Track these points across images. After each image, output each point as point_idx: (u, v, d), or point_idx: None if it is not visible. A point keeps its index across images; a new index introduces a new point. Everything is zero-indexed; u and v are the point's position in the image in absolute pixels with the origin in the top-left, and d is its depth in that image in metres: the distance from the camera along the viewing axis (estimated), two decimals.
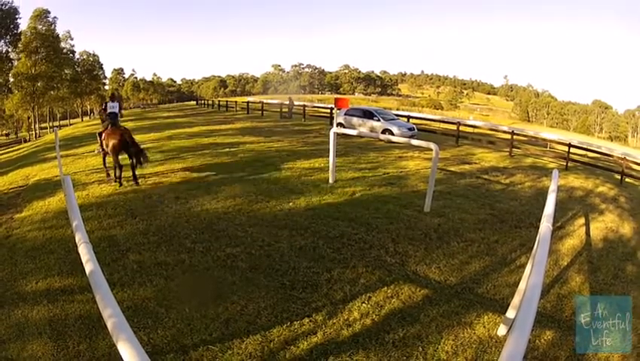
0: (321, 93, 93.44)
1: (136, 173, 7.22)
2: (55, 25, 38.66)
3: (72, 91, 42.86)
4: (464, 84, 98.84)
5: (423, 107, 77.00)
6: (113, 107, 7.60)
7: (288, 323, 3.27)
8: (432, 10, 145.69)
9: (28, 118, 40.85)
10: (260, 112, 24.06)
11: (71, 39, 43.06)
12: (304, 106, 23.29)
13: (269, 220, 5.47)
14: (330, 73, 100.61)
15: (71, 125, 40.07)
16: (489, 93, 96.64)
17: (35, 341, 3.03)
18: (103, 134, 7.46)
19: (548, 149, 16.72)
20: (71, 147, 12.71)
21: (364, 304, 3.59)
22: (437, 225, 5.65)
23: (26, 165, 11.05)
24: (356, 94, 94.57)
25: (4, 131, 48.71)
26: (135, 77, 77.67)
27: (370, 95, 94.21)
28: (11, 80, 36.11)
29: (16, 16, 34.38)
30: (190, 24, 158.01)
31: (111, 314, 1.75)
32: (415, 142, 7.21)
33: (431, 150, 6.09)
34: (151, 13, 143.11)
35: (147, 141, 12.12)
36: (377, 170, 8.90)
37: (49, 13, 38.01)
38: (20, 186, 8.13)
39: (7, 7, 33.35)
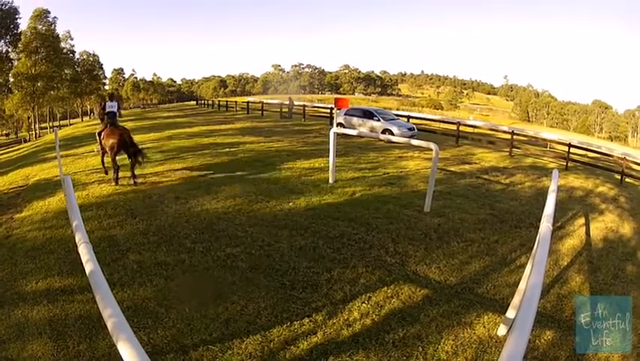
0: (321, 93, 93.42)
1: (136, 173, 7.23)
2: (55, 25, 38.76)
3: (72, 91, 42.87)
4: (464, 84, 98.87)
5: (423, 107, 77.02)
6: (111, 106, 7.63)
7: (288, 323, 3.26)
8: (432, 10, 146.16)
9: (28, 118, 40.87)
10: (260, 112, 24.06)
11: (71, 39, 43.17)
12: (304, 106, 23.29)
13: (269, 220, 5.47)
14: (330, 73, 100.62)
15: (71, 125, 40.09)
16: (489, 93, 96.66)
17: (35, 341, 3.03)
18: (102, 134, 7.47)
19: (548, 149, 16.73)
20: (71, 147, 12.71)
21: (364, 304, 3.59)
22: (437, 225, 5.65)
23: (26, 165, 11.05)
24: (356, 94, 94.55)
25: (4, 132, 48.73)
26: (135, 77, 77.64)
27: (370, 95, 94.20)
28: (11, 80, 36.12)
29: (16, 16, 34.44)
30: (190, 24, 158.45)
31: (111, 314, 1.74)
32: (415, 142, 7.21)
33: (431, 150, 6.10)
34: (151, 13, 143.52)
35: (147, 140, 12.13)
36: (377, 170, 8.90)
37: (49, 13, 38.12)
38: (20, 186, 8.13)
39: (7, 7, 33.37)
